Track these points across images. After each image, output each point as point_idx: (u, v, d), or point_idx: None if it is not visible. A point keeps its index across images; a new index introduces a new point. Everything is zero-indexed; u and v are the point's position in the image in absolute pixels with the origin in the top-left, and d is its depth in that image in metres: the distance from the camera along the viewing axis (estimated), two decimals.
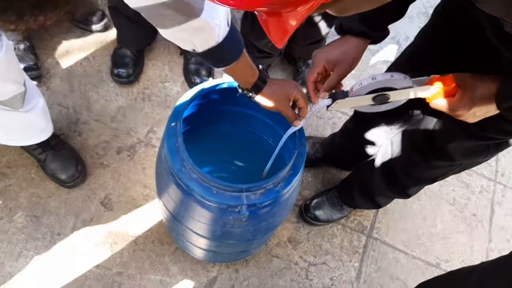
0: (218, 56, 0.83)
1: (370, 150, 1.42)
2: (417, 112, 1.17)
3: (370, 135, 1.36)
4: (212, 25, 0.77)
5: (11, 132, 1.30)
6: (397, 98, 0.84)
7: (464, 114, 0.81)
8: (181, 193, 0.95)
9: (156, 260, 1.39)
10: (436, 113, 0.86)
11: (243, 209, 0.88)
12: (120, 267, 1.37)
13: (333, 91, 0.90)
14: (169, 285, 1.37)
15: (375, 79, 0.80)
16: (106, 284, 1.34)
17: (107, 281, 1.34)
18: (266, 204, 0.93)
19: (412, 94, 0.82)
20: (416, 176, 1.23)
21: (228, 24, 0.80)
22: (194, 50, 0.82)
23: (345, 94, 0.85)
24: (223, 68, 0.87)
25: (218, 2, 0.53)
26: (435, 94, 0.81)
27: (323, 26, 1.55)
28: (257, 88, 0.92)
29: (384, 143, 1.32)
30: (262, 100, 0.93)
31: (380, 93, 0.82)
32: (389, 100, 0.84)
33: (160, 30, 0.79)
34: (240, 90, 0.95)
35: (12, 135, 1.31)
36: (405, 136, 1.21)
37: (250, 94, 0.93)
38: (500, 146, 1.00)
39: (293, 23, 0.55)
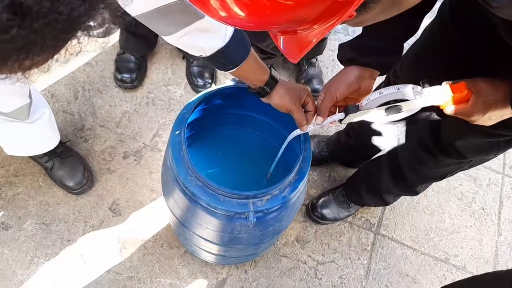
0: (228, 57, 0.82)
1: (376, 147, 1.41)
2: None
3: (376, 133, 1.35)
4: (217, 25, 0.75)
5: (18, 142, 1.31)
6: (410, 107, 0.82)
7: (480, 119, 0.80)
8: (188, 200, 0.95)
9: (165, 263, 1.40)
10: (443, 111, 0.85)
11: (250, 216, 0.88)
12: (131, 271, 1.38)
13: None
14: None
15: (382, 93, 0.79)
16: None
17: (118, 285, 1.35)
18: (273, 210, 0.94)
19: (425, 103, 0.80)
20: (424, 173, 1.22)
21: None
22: (202, 55, 0.81)
23: (357, 108, 0.84)
24: (234, 70, 0.85)
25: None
26: (448, 101, 0.79)
27: None
28: (270, 85, 0.90)
29: (390, 140, 1.31)
30: (275, 98, 0.92)
31: (392, 105, 0.80)
32: (402, 111, 0.82)
33: (165, 38, 0.78)
34: (252, 91, 0.93)
35: (19, 145, 1.32)
36: (412, 133, 1.20)
37: (263, 92, 0.91)
38: (511, 142, 0.98)
39: (313, 40, 0.53)
